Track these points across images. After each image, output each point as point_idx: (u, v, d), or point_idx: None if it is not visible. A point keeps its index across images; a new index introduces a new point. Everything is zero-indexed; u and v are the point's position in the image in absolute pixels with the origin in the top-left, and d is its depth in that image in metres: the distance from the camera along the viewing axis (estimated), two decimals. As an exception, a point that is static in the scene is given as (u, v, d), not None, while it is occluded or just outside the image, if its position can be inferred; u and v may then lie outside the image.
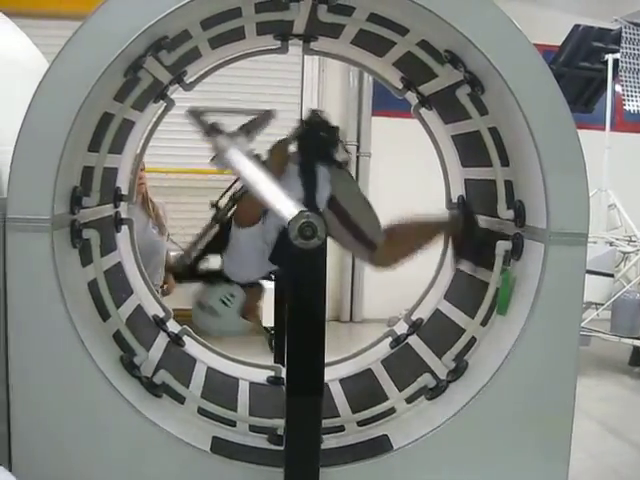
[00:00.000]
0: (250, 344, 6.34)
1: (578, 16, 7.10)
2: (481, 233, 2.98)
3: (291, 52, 3.24)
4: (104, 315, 2.72)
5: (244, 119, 2.71)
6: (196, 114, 2.58)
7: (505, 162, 2.76)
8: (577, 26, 6.70)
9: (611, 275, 6.38)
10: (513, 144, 2.67)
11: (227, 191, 2.98)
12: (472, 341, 2.86)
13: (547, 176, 2.46)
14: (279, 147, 2.85)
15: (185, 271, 2.95)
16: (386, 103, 7.22)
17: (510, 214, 2.74)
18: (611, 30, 6.70)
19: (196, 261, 2.94)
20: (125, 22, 2.30)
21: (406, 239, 2.96)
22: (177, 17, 2.39)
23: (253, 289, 2.96)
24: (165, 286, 4.82)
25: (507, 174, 2.77)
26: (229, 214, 2.90)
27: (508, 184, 2.77)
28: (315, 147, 2.86)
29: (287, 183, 2.67)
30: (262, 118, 2.85)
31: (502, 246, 2.77)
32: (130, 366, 2.65)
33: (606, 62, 6.70)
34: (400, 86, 3.39)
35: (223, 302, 2.83)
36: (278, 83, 7.58)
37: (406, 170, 7.46)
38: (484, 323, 2.84)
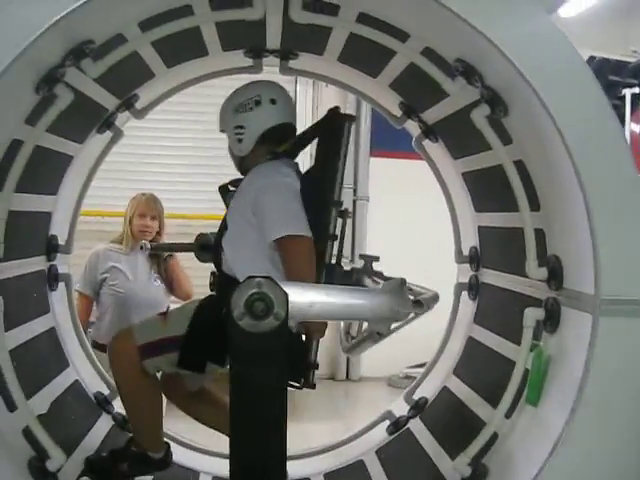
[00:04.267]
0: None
1: (593, 49, 6.63)
2: None
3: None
4: (10, 405, 2.07)
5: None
6: None
7: (535, 206, 2.13)
8: (592, 58, 6.21)
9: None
10: (546, 182, 2.06)
11: None
12: (493, 437, 2.20)
13: (596, 224, 1.82)
14: None
15: None
16: (385, 143, 6.75)
17: (542, 273, 2.09)
18: (629, 63, 6.25)
19: None
20: (23, 16, 1.70)
21: None
22: (100, 13, 1.79)
23: None
24: None
25: (537, 221, 2.14)
26: None
27: (539, 234, 2.14)
28: None
29: None
30: None
31: (532, 314, 2.13)
32: (40, 473, 2.01)
33: (623, 97, 6.22)
34: (399, 113, 2.82)
35: None
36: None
37: (409, 216, 6.80)
38: (509, 414, 2.17)
